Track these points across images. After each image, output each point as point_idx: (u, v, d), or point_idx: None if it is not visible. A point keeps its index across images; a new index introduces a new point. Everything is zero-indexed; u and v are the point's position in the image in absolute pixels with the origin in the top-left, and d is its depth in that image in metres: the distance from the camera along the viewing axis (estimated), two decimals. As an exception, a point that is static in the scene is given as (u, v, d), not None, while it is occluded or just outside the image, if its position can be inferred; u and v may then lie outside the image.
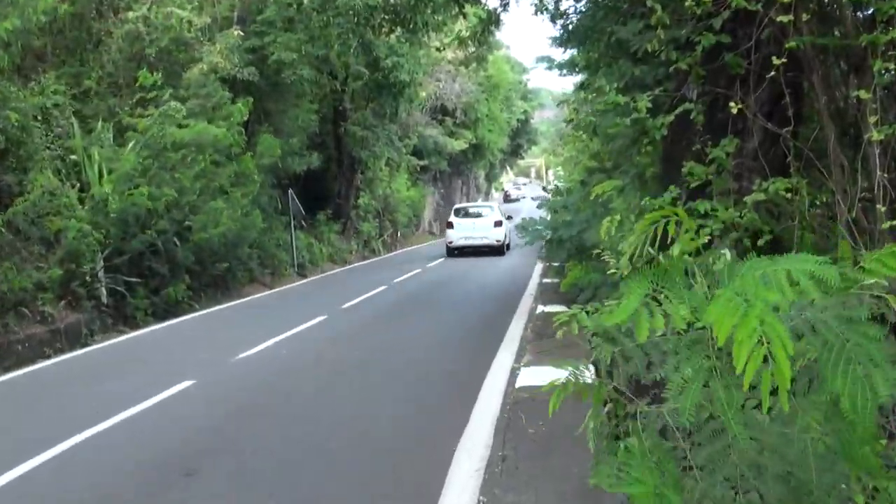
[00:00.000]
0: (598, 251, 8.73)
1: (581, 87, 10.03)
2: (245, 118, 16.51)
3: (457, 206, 27.48)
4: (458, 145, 41.30)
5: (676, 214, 2.60)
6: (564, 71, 10.10)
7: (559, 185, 13.70)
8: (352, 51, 19.23)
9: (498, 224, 24.26)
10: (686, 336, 2.34)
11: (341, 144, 25.66)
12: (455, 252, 23.99)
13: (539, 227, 11.55)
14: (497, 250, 23.88)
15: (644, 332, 2.25)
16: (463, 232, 24.16)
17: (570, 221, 10.66)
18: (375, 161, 27.19)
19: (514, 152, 78.44)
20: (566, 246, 10.54)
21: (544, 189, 14.22)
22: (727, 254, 2.54)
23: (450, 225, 24.80)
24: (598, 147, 9.89)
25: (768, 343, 1.99)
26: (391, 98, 23.99)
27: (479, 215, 24.97)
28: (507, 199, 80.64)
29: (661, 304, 2.33)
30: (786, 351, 1.98)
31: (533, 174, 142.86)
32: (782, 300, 2.11)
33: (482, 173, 67.90)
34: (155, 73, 14.59)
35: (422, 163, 37.11)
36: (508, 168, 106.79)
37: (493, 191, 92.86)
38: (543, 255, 12.19)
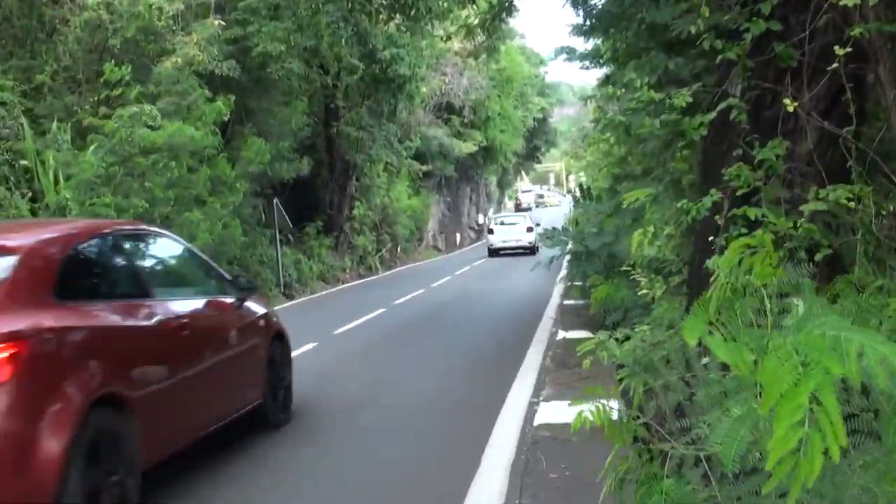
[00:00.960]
0: (628, 267, 8.42)
1: (606, 81, 9.88)
2: (225, 118, 16.23)
3: (495, 216, 42.92)
4: (466, 148, 40.51)
5: (763, 245, 2.54)
6: (587, 63, 9.95)
7: (584, 188, 13.85)
8: (344, 41, 18.90)
9: (529, 230, 34.37)
10: (736, 373, 2.30)
11: (333, 147, 25.26)
12: (496, 252, 34.53)
13: (564, 238, 11.48)
14: (530, 250, 33.29)
15: (721, 352, 2.17)
16: (502, 236, 35.12)
17: (597, 232, 10.58)
18: (372, 166, 26.88)
19: (531, 156, 78.01)
20: (595, 260, 10.48)
21: (573, 196, 14.31)
22: (799, 306, 2.39)
23: (490, 231, 36.77)
24: (626, 150, 9.81)
25: (811, 427, 1.85)
26: (390, 95, 23.60)
27: (514, 223, 36.74)
28: (518, 208, 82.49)
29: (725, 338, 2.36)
30: (834, 441, 1.84)
31: (552, 180, 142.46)
32: (848, 373, 1.95)
33: (494, 179, 64.79)
34: (123, 67, 14.23)
35: (425, 168, 35.94)
36: (524, 173, 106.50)
37: (505, 199, 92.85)
38: (568, 274, 12.28)
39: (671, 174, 7.07)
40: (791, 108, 4.61)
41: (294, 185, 22.13)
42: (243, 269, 18.21)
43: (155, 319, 4.87)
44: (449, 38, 16.42)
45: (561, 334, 11.11)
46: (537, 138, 65.93)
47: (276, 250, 20.32)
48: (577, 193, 15.09)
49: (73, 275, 4.39)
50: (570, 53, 10.20)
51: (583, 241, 10.97)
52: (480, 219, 58.23)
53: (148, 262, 5.51)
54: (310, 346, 11.61)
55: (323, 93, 23.90)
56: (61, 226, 5.38)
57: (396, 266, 29.95)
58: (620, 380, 2.89)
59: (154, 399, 4.60)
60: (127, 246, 5.23)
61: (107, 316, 4.49)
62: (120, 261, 5.07)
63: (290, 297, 20.11)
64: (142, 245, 5.46)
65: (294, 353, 10.59)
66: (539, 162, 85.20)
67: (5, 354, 3.40)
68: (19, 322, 3.66)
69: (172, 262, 5.85)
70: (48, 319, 3.88)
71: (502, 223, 37.28)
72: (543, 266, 12.07)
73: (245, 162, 17.46)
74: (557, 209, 66.23)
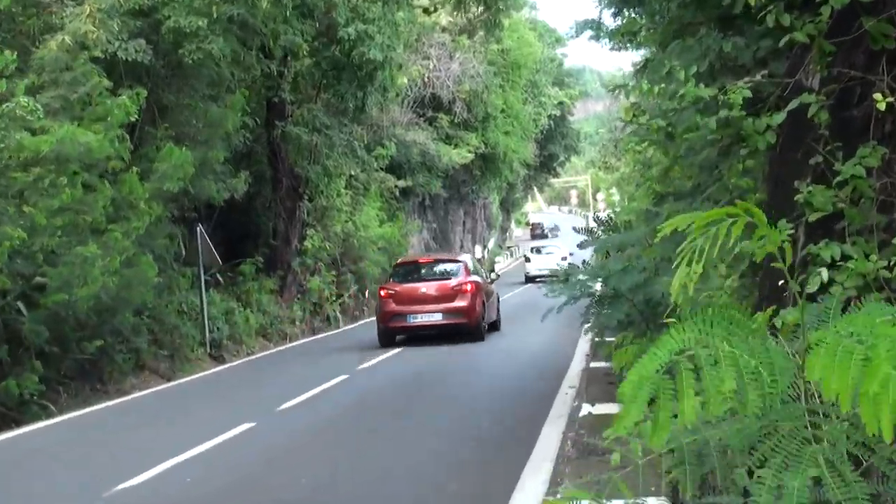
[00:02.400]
0: (669, 316, 8.20)
1: (643, 67, 9.86)
2: (133, 118, 16.07)
3: (532, 244, 56.34)
4: (458, 156, 40.20)
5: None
6: (619, 43, 10.06)
7: (613, 213, 13.97)
8: (288, 12, 19.03)
9: (564, 259, 42.17)
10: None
11: (278, 157, 25.32)
12: (532, 280, 45.02)
13: (583, 278, 11.60)
14: None
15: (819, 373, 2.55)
16: (537, 264, 46.56)
17: (628, 268, 10.67)
18: (330, 181, 27.00)
19: (546, 166, 73.19)
20: (624, 305, 10.55)
21: (598, 221, 14.21)
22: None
23: (527, 259, 50.08)
24: (669, 160, 9.87)
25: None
26: (355, 86, 23.84)
27: (549, 252, 48.79)
28: (535, 233, 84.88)
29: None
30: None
31: (573, 199, 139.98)
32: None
33: (496, 199, 63.02)
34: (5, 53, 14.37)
35: (402, 183, 35.83)
36: (536, 190, 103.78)
37: (511, 225, 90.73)
38: (590, 322, 12.01)
39: (729, 192, 7.12)
40: (882, 105, 4.61)
41: (226, 207, 21.91)
42: (156, 321, 18.07)
43: None
44: (434, 9, 16.24)
45: (585, 409, 11.21)
46: (554, 143, 65.36)
47: (201, 296, 20.32)
48: (592, 223, 14.71)
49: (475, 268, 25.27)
50: (597, 30, 10.42)
51: (607, 278, 11.01)
52: (478, 252, 58.40)
53: None
54: (243, 427, 11.62)
55: (265, 84, 23.85)
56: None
57: (363, 316, 29.73)
58: (667, 472, 2.96)
59: None
60: None
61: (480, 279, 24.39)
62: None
63: (220, 360, 19.92)
64: None
65: (223, 437, 10.81)
66: (556, 175, 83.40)
67: (470, 285, 22.11)
68: (470, 279, 22.79)
69: None
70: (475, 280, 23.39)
71: (538, 251, 51.39)
72: (557, 312, 11.77)
73: (160, 177, 17.13)
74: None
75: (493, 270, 42.42)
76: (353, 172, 28.83)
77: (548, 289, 11.60)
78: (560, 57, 65.39)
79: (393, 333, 22.52)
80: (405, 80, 32.02)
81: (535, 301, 19.87)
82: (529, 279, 46.30)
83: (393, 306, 22.14)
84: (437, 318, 22.00)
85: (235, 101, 21.01)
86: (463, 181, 48.89)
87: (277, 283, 25.42)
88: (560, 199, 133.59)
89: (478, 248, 59.88)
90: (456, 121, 41.32)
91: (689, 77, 6.41)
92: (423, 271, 23.68)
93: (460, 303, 21.80)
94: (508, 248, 79.33)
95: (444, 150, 39.22)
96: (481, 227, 61.50)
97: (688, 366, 2.63)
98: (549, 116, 59.16)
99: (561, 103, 62.60)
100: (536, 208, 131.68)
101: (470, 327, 22.11)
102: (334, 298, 28.67)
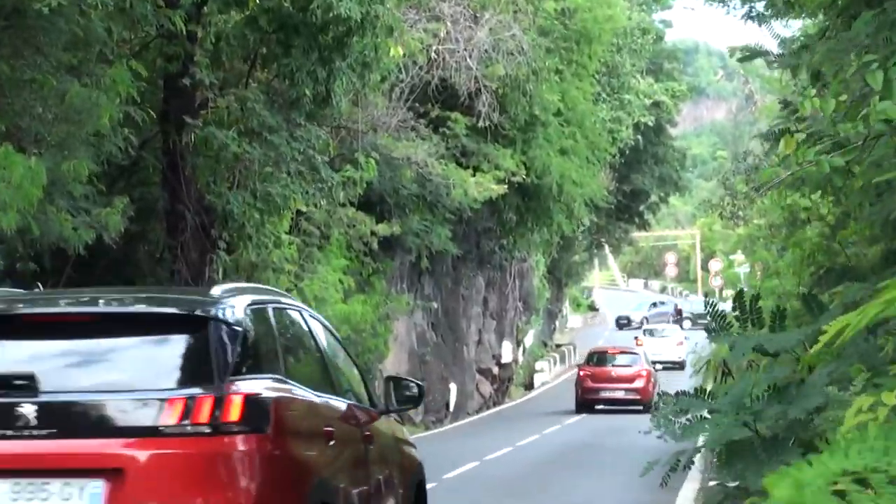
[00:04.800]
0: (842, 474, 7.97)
1: (801, 49, 10.57)
2: None
3: (645, 327, 79.13)
4: (480, 188, 37.44)
5: None
6: (755, 9, 10.41)
7: (742, 302, 13.97)
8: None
9: (679, 344, 63.51)
10: None
11: (181, 175, 23.37)
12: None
13: (699, 400, 11.39)
14: (679, 366, 62.14)
15: None
16: (650, 349, 59.94)
17: (775, 394, 10.10)
18: (265, 220, 24.74)
19: (626, 211, 68.38)
20: (779, 452, 10.06)
21: (711, 309, 14.84)
22: None
23: (637, 341, 65.38)
24: (840, 212, 10.09)
25: None
26: (314, 60, 23.00)
27: (664, 335, 71.42)
28: (621, 324, 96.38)
29: None
30: None
31: (669, 267, 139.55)
32: None
33: (540, 263, 59.24)
34: None
35: (383, 229, 33.70)
36: (608, 251, 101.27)
37: (564, 308, 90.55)
38: (717, 487, 12.29)
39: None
40: None
41: (88, 257, 21.33)
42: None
43: None
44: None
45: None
46: (642, 172, 63.91)
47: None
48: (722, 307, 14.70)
49: None
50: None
51: (748, 411, 10.67)
52: (506, 351, 54.42)
53: None
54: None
55: (164, 51, 22.58)
56: None
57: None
58: None
59: None
60: None
61: None
62: None
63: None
64: None
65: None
66: (645, 226, 77.17)
67: (646, 371, 49.01)
68: (646, 367, 49.65)
69: None
70: None
71: (651, 334, 70.94)
72: (661, 469, 11.94)
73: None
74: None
75: (531, 385, 47.04)
76: (304, 207, 26.74)
77: (653, 423, 11.80)
78: (660, 28, 62.87)
79: (589, 403, 46.49)
80: (398, 54, 29.78)
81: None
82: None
83: (590, 383, 47.37)
84: (620, 395, 46.72)
85: (113, 80, 19.80)
86: (486, 230, 44.15)
87: (167, 390, 22.90)
88: (647, 266, 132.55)
89: (506, 346, 54.90)
90: (480, 126, 37.57)
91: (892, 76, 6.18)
92: (610, 358, 49.44)
93: (638, 384, 46.74)
94: (559, 346, 74.65)
95: (456, 177, 35.71)
96: (514, 311, 57.89)
97: (857, 488, 3.47)
98: (637, 126, 56.59)
99: (657, 104, 60.96)
100: (607, 280, 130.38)
101: (643, 401, 43.26)
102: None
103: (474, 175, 37.97)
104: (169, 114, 24.08)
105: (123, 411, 9.03)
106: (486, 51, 36.65)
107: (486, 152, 39.36)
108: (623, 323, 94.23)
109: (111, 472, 8.71)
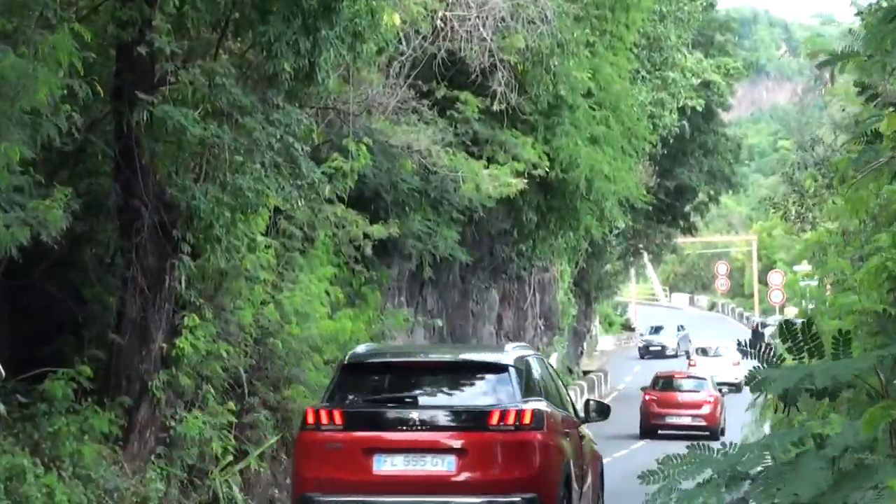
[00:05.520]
0: None
1: (890, 17, 9.49)
2: None
3: (697, 346, 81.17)
4: (495, 182, 36.24)
5: None
6: None
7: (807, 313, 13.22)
8: None
9: (736, 364, 63.82)
10: None
11: (137, 164, 23.69)
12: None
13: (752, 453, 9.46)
14: (735, 388, 63.44)
15: None
16: (703, 369, 60.69)
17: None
18: (236, 219, 24.58)
19: (669, 212, 62.36)
20: None
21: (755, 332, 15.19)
22: None
23: (691, 361, 70.26)
24: None
25: None
26: (296, 27, 23.15)
27: (718, 354, 73.32)
28: (651, 351, 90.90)
29: None
30: None
31: (721, 280, 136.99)
32: None
33: (566, 273, 54.13)
34: None
35: (379, 231, 31.52)
36: (647, 260, 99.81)
37: (594, 328, 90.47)
38: None
39: None
40: None
41: (23, 262, 21.24)
42: None
43: None
44: None
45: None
46: (688, 166, 60.15)
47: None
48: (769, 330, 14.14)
49: None
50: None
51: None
52: None
53: None
54: None
55: (117, 14, 22.72)
56: None
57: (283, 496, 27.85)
58: None
59: None
60: None
61: None
62: None
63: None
64: None
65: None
66: (691, 230, 72.84)
67: (713, 397, 56.30)
68: (714, 393, 58.19)
69: None
70: None
71: (705, 353, 73.71)
72: None
73: None
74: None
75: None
76: (284, 202, 26.84)
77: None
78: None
79: (654, 428, 51.03)
80: (397, 21, 29.58)
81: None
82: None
83: (655, 408, 51.90)
84: (686, 421, 50.72)
85: (53, 47, 19.99)
86: (501, 234, 42.18)
87: (118, 422, 23.97)
88: (693, 278, 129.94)
89: None
90: (495, 109, 36.46)
91: None
92: (677, 383, 54.62)
93: (705, 410, 50.98)
94: (587, 373, 70.04)
95: (466, 169, 34.62)
96: (533, 330, 54.23)
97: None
98: (683, 110, 53.11)
99: (707, 84, 57.07)
100: (646, 294, 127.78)
101: (710, 428, 48.22)
102: (229, 460, 27.14)
103: (487, 167, 36.51)
104: (122, 90, 23.46)
105: (466, 416, 19.30)
106: (502, 18, 34.87)
107: (502, 140, 37.65)
108: (645, 350, 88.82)
109: (460, 450, 18.71)
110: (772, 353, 11.30)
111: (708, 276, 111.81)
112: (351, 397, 20.83)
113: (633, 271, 76.91)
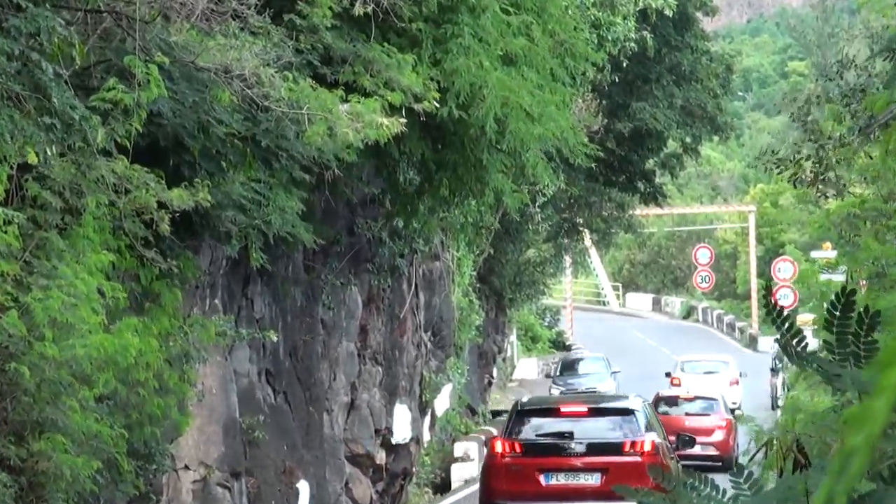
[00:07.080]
0: None
1: None
2: None
3: (682, 359, 68.06)
4: (354, 124, 33.41)
5: None
6: None
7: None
8: None
9: (734, 383, 60.07)
10: None
11: None
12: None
13: None
14: (732, 413, 52.83)
15: None
16: (691, 389, 54.96)
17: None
18: None
19: (623, 171, 62.93)
20: None
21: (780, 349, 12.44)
22: None
23: (671, 377, 63.03)
24: None
25: None
26: None
27: (711, 371, 62.94)
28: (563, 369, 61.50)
29: None
30: None
31: (702, 272, 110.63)
32: None
33: (466, 261, 55.06)
34: None
35: (181, 199, 31.69)
36: (591, 242, 78.05)
37: (508, 346, 71.57)
38: None
39: None
40: None
41: None
42: None
43: None
44: None
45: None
46: (651, 101, 51.69)
47: None
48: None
49: None
50: None
51: None
52: (400, 422, 40.29)
53: None
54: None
55: None
56: None
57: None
58: None
59: None
60: None
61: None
62: None
63: None
64: None
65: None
66: (655, 198, 55.45)
67: (726, 422, 61.80)
68: (727, 416, 63.15)
69: None
70: None
71: (694, 369, 61.77)
72: None
73: None
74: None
75: (446, 484, 50.62)
76: (30, 157, 23.25)
77: None
78: None
79: None
80: None
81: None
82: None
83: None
84: (695, 450, 42.83)
85: None
86: (368, 202, 32.06)
87: None
88: (660, 271, 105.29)
89: (401, 414, 38.09)
90: (357, 14, 28.73)
91: None
92: (682, 405, 50.46)
93: (717, 437, 47.17)
94: (497, 414, 54.36)
95: (315, 102, 26.46)
96: (416, 348, 39.57)
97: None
98: (646, 15, 41.32)
99: None
100: (589, 295, 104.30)
101: (723, 458, 44.51)
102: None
103: (346, 101, 28.57)
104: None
105: (608, 446, 35.77)
106: None
107: (369, 59, 30.51)
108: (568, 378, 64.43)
109: (604, 470, 35.04)
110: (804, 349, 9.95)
111: (682, 268, 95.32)
112: (524, 433, 34.15)
113: (568, 260, 62.84)
